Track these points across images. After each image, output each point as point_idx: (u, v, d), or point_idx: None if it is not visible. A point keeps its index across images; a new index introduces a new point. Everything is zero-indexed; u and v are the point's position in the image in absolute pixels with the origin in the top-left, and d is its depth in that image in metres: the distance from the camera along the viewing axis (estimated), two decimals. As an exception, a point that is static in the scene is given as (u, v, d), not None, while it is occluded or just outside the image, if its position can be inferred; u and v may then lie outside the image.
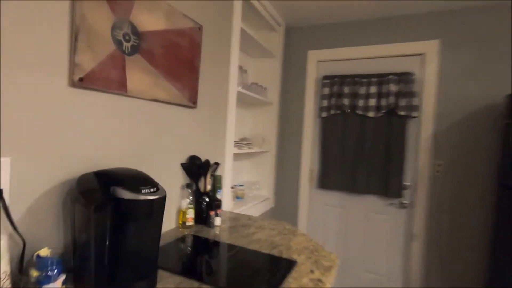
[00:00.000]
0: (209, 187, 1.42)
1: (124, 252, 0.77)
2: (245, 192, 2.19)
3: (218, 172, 1.59)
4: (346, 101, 2.20)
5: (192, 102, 1.35)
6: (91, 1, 0.86)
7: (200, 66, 1.39)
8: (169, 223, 1.29)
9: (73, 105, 0.85)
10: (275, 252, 1.10)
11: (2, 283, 0.61)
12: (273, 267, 0.98)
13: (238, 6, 1.67)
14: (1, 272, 0.61)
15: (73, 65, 0.83)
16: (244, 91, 1.84)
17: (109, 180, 0.76)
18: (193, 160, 1.38)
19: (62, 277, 0.71)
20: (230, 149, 1.72)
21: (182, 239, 1.19)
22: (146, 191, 0.75)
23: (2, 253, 0.61)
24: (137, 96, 1.05)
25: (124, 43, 0.98)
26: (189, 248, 1.11)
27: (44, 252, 0.71)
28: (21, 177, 0.74)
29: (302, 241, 1.23)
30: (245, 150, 1.98)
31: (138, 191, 0.74)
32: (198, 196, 1.38)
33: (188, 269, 0.94)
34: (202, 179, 1.40)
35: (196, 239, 1.20)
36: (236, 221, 1.47)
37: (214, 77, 1.53)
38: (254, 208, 2.08)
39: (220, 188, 1.51)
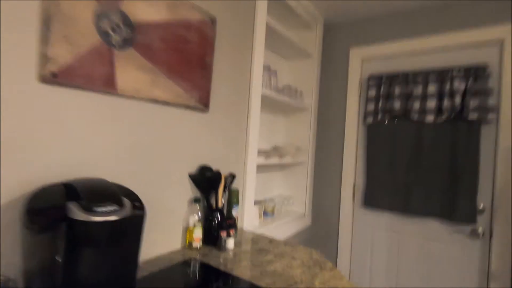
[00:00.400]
0: (222, 202, 1.23)
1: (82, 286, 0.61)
2: (276, 208, 1.95)
3: (235, 185, 1.39)
4: (397, 104, 1.84)
5: (203, 104, 1.19)
6: (69, -14, 0.75)
7: (213, 64, 1.23)
8: (173, 242, 1.12)
9: (44, 103, 0.74)
10: (289, 294, 0.85)
11: None
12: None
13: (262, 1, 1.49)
14: None
15: (44, 58, 0.72)
16: (272, 94, 1.63)
17: (69, 194, 0.61)
18: (204, 171, 1.20)
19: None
20: (253, 159, 1.52)
21: (183, 264, 1.01)
22: (103, 209, 0.58)
23: None
24: (130, 96, 0.92)
25: (113, 35, 0.86)
26: (187, 277, 0.92)
27: (-15, 279, 0.58)
28: (-29, 186, 0.63)
29: (329, 279, 0.95)
30: (273, 160, 1.75)
31: (90, 210, 0.57)
32: (208, 212, 1.20)
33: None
34: (214, 193, 1.21)
35: (199, 265, 1.00)
36: (254, 244, 1.24)
37: (233, 77, 1.36)
38: (286, 226, 1.82)
39: (236, 203, 1.31)
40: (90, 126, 0.83)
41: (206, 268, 0.98)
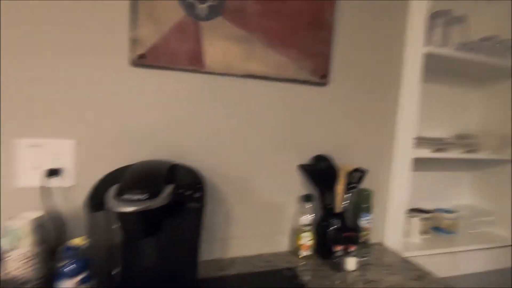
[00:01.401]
0: (342, 205, 0.92)
1: (133, 269, 0.58)
2: (459, 224, 1.31)
3: (368, 185, 1.02)
4: None
5: (318, 75, 0.91)
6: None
7: (335, 20, 0.91)
8: (277, 244, 0.95)
9: (134, 87, 0.76)
10: None
11: (21, 264, 0.61)
12: None
13: None
14: (21, 252, 0.61)
15: (133, 42, 0.74)
16: (451, 52, 1.06)
17: (120, 177, 0.59)
18: (318, 162, 0.94)
19: (81, 275, 0.63)
20: (407, 151, 1.05)
21: (278, 272, 0.82)
22: (128, 197, 0.51)
23: (25, 233, 0.61)
24: (219, 72, 0.82)
25: (198, 5, 0.78)
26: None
27: (78, 241, 0.67)
28: (83, 160, 0.74)
29: None
30: (450, 154, 1.16)
31: (119, 197, 0.51)
32: (323, 217, 0.93)
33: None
34: (332, 191, 0.92)
35: (296, 281, 0.78)
36: (390, 272, 0.85)
37: (370, 33, 0.97)
38: (471, 256, 1.20)
39: (368, 210, 0.95)
40: (176, 107, 0.80)
41: (299, 290, 0.74)
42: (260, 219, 0.92)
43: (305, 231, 0.91)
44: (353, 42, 0.95)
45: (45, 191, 0.71)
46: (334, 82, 0.95)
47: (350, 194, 0.93)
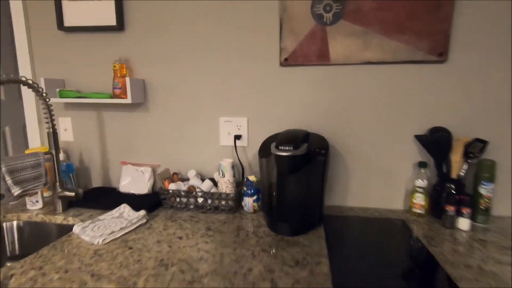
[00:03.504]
0: (458, 172, 1.00)
1: (282, 198, 0.96)
2: None
3: (492, 156, 1.02)
4: None
5: (436, 54, 1.01)
6: (293, -8, 1.05)
7: (455, -2, 0.97)
8: (392, 202, 1.14)
9: (282, 80, 1.13)
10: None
11: (226, 186, 1.10)
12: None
13: None
14: (226, 179, 1.10)
15: (280, 50, 1.10)
16: None
17: (277, 137, 0.97)
18: (435, 133, 1.04)
19: (255, 196, 1.08)
20: (553, 122, 0.98)
21: (390, 221, 1.03)
22: (283, 148, 0.87)
23: (227, 169, 1.10)
24: (341, 63, 1.07)
25: (325, 15, 1.05)
26: (382, 233, 0.95)
27: (252, 178, 1.12)
28: (252, 130, 1.19)
29: None
30: None
31: (277, 148, 0.89)
32: (439, 181, 1.04)
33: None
34: (448, 159, 1.02)
35: (405, 229, 0.98)
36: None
37: (493, 10, 0.96)
38: None
39: (490, 180, 0.98)
40: (309, 93, 1.12)
41: (411, 237, 0.94)
42: (378, 179, 1.13)
43: (419, 192, 1.05)
44: (477, 14, 0.97)
45: (234, 148, 1.21)
46: (454, 57, 1.01)
47: (469, 163, 0.99)
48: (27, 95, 1.35)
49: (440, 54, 1.01)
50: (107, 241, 0.86)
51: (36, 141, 1.38)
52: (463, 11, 0.98)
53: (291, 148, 0.87)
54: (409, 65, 1.04)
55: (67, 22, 1.23)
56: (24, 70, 1.32)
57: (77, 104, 1.32)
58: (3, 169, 0.90)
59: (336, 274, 0.71)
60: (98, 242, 0.85)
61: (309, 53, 1.08)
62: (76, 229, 0.91)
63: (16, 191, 0.92)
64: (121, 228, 0.92)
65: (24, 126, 2.18)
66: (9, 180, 0.91)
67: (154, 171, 1.28)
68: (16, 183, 0.93)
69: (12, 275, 0.71)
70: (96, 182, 1.37)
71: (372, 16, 1.02)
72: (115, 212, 1.03)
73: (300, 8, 1.06)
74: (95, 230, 0.90)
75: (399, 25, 1.01)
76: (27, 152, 1.11)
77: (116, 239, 0.89)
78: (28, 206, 1.11)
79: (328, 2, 1.04)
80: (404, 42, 1.02)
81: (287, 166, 0.90)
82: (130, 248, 0.84)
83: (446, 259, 0.78)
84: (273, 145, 0.92)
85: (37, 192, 1.08)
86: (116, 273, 0.71)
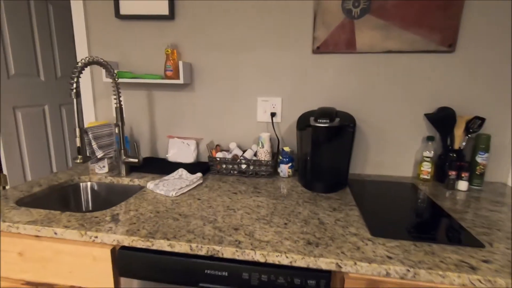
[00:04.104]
0: (460, 144, 1.22)
1: (316, 163, 1.18)
2: None
3: (488, 131, 1.24)
4: None
5: (446, 45, 1.20)
6: (326, -11, 1.23)
7: (464, -2, 1.16)
8: (403, 170, 1.36)
9: (313, 66, 1.32)
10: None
11: (264, 155, 1.31)
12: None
13: None
14: (265, 149, 1.31)
15: (313, 39, 1.29)
16: None
17: (314, 113, 1.17)
18: (442, 112, 1.25)
19: (289, 164, 1.29)
20: (539, 104, 1.19)
21: (401, 184, 1.25)
22: (320, 120, 1.08)
23: (265, 141, 1.30)
24: (366, 51, 1.26)
25: (354, 10, 1.23)
26: (399, 193, 1.17)
27: (286, 148, 1.32)
28: (285, 108, 1.39)
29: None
30: None
31: (316, 120, 1.09)
32: (442, 152, 1.26)
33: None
34: (452, 134, 1.23)
35: (414, 189, 1.20)
36: (497, 196, 1.12)
37: (496, 8, 1.15)
38: None
39: (485, 150, 1.20)
40: (338, 77, 1.31)
41: (412, 193, 1.16)
42: (392, 151, 1.35)
43: (426, 161, 1.27)
44: (482, 11, 1.16)
45: (269, 124, 1.41)
46: (461, 48, 1.20)
47: (469, 136, 1.21)
48: (85, 76, 1.52)
49: (450, 45, 1.20)
50: (178, 194, 1.07)
51: (91, 116, 1.56)
52: (470, 10, 1.17)
53: (328, 121, 1.07)
54: (423, 54, 1.24)
55: (123, 11, 1.39)
56: (81, 54, 1.49)
57: (129, 84, 1.50)
58: (90, 135, 1.09)
59: (366, 216, 0.93)
60: (172, 194, 1.06)
61: (338, 42, 1.27)
62: (150, 185, 1.12)
63: (99, 154, 1.12)
64: (187, 185, 1.12)
65: (60, 105, 2.36)
66: (94, 145, 1.10)
67: (197, 143, 1.48)
68: (100, 147, 1.12)
69: (117, 214, 0.92)
70: (144, 153, 1.57)
71: (393, 12, 1.21)
72: (176, 174, 1.24)
73: (332, 4, 1.24)
74: (166, 185, 1.11)
75: (415, 20, 1.20)
76: (89, 125, 1.30)
77: (183, 193, 1.09)
78: (97, 170, 1.31)
79: (356, -1, 1.22)
80: (419, 35, 1.21)
81: (324, 136, 1.11)
82: (199, 199, 1.05)
83: (450, 208, 1.00)
84: (312, 118, 1.12)
85: (112, 156, 1.28)
86: (197, 214, 0.93)
